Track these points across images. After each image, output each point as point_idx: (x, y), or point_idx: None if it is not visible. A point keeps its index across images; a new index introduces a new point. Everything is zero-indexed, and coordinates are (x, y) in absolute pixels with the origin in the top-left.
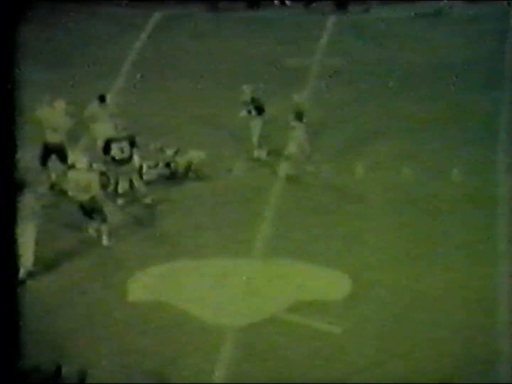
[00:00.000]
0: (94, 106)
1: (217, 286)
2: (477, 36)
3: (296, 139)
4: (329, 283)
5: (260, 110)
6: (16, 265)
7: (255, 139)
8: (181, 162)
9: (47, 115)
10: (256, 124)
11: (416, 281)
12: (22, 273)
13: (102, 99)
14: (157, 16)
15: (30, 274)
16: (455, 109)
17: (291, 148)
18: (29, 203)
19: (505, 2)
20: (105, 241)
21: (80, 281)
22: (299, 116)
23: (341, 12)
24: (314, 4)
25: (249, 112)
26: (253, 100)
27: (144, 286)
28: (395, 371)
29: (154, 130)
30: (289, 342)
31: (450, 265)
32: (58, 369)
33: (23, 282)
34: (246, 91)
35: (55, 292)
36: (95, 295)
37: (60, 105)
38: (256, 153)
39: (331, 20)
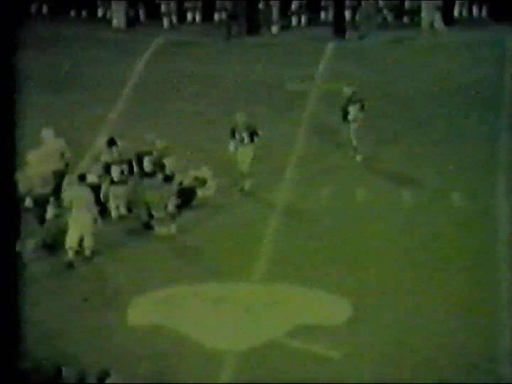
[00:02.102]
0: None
1: (216, 310)
2: (475, 61)
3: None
4: (328, 308)
5: (253, 136)
6: (16, 265)
7: (244, 168)
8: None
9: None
10: (247, 152)
11: (416, 306)
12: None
13: (111, 143)
14: (157, 41)
15: (71, 264)
16: (454, 133)
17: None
18: (87, 195)
19: (504, 29)
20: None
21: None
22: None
23: (338, 39)
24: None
25: (242, 140)
26: (247, 126)
27: (143, 310)
28: None
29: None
30: (288, 367)
31: (450, 289)
32: (58, 369)
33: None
34: (239, 118)
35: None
36: (95, 319)
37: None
38: (246, 185)
39: (330, 45)
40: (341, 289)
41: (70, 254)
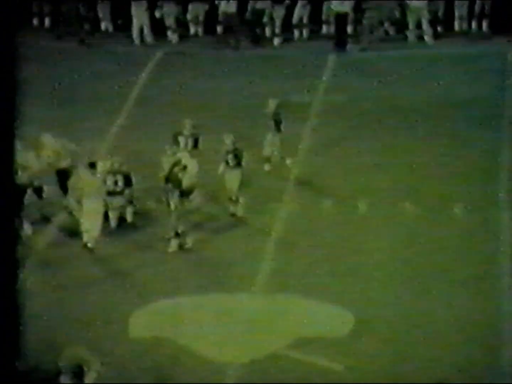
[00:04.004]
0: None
1: (218, 322)
2: (476, 74)
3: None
4: (331, 320)
5: (239, 160)
6: (16, 266)
7: (233, 191)
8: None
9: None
10: (234, 177)
11: (418, 317)
12: (86, 239)
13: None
14: (158, 54)
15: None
16: (456, 146)
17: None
18: (98, 183)
19: (504, 42)
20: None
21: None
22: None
23: (340, 51)
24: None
25: (227, 163)
26: (234, 149)
27: (145, 322)
28: None
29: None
30: (290, 379)
31: (452, 301)
32: (58, 369)
33: (85, 246)
34: (227, 140)
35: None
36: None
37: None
38: (231, 209)
39: (331, 58)
40: (343, 301)
41: (86, 237)
